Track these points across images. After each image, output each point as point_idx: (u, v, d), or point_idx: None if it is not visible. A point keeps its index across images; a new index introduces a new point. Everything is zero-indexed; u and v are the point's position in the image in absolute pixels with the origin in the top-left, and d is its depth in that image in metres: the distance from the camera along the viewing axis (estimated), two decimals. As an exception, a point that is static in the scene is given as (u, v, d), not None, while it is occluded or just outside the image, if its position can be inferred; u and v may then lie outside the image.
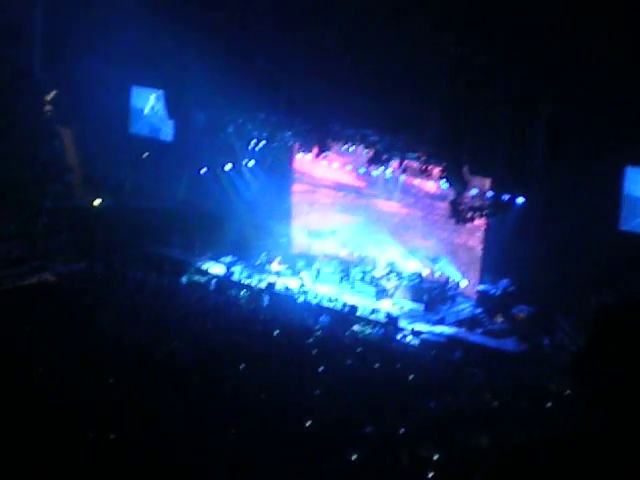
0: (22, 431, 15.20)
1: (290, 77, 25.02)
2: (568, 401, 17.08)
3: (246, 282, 27.43)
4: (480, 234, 26.14)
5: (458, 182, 24.46)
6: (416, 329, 24.10)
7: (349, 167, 28.98)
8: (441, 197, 26.72)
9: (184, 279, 27.99)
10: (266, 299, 26.22)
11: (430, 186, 27.07)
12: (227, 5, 26.31)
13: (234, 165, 30.14)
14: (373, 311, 25.02)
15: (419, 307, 25.75)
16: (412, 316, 25.18)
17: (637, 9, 19.67)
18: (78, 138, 31.39)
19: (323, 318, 24.81)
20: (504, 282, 25.05)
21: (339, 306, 25.57)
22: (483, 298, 25.67)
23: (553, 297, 22.54)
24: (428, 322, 24.70)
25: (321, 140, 27.27)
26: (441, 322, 24.74)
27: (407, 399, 19.22)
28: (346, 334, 24.00)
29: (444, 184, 25.46)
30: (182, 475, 13.11)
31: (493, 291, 25.35)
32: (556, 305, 22.70)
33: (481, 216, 25.25)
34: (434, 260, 27.46)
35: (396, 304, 26.03)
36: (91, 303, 24.65)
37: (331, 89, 23.93)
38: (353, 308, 25.29)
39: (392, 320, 24.52)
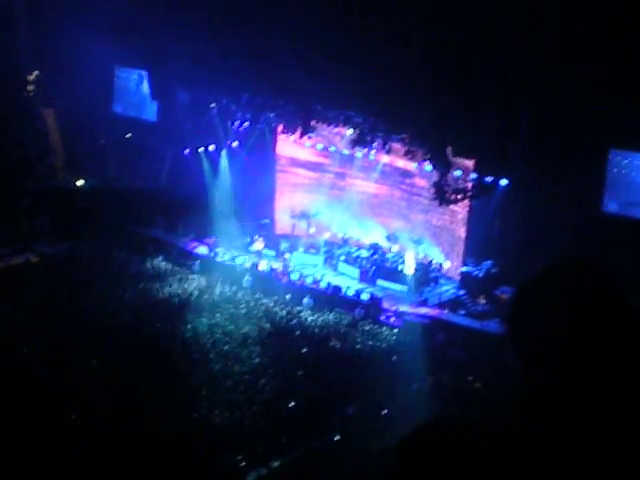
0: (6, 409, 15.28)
1: (274, 58, 24.91)
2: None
3: (229, 263, 27.41)
4: (463, 216, 26.18)
5: (442, 163, 24.47)
6: (399, 310, 24.17)
7: (330, 148, 29.07)
8: (424, 178, 26.81)
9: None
10: (249, 280, 26.21)
11: (412, 167, 27.09)
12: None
13: (218, 146, 30.10)
14: (357, 292, 25.04)
15: (403, 288, 25.80)
16: (395, 297, 25.23)
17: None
18: (61, 119, 31.22)
19: (307, 299, 24.82)
20: (487, 264, 25.13)
21: (323, 287, 25.59)
22: (466, 280, 25.74)
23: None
24: (411, 303, 24.77)
25: (304, 121, 27.24)
26: (424, 304, 24.81)
27: (390, 380, 19.30)
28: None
29: (428, 166, 25.48)
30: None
31: (476, 273, 25.43)
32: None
33: (464, 198, 25.30)
34: (417, 242, 27.52)
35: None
36: (74, 284, 24.63)
37: (315, 70, 23.84)
38: (337, 289, 25.32)
39: (376, 301, 24.56)
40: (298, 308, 24.24)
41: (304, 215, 29.63)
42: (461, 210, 26.09)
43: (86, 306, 23.15)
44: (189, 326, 22.10)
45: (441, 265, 26.99)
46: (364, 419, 18.46)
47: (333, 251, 28.33)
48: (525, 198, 23.42)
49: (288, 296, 25.01)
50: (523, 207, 23.54)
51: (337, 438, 18.30)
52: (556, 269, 2.25)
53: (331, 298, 24.94)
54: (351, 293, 25.04)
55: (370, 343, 21.93)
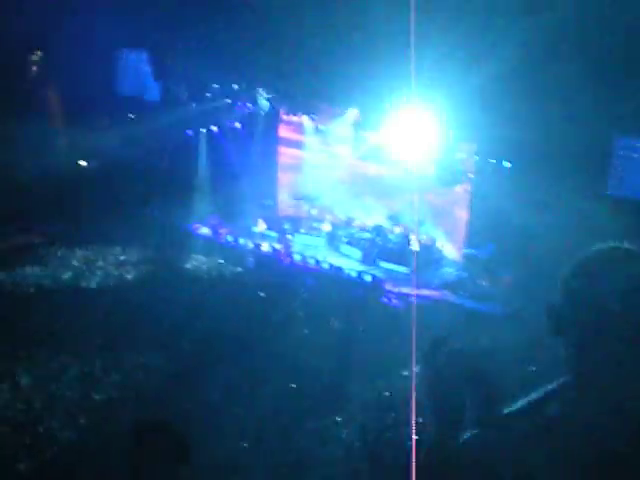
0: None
1: (278, 38, 24.81)
2: (552, 365, 17.21)
3: (232, 244, 27.43)
4: (465, 198, 26.15)
5: (444, 146, 24.43)
6: (402, 292, 24.17)
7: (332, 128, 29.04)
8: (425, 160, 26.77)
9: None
10: (251, 261, 26.24)
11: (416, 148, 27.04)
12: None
13: (220, 127, 30.06)
14: (359, 273, 25.06)
15: (405, 270, 25.80)
16: (398, 279, 25.23)
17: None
18: (64, 99, 31.11)
19: (309, 280, 24.85)
20: (489, 246, 25.10)
21: (325, 268, 25.61)
22: (468, 261, 25.73)
23: (539, 261, 22.57)
24: (413, 285, 24.75)
25: (307, 103, 27.19)
26: (426, 285, 24.81)
27: (392, 362, 19.33)
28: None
29: (430, 146, 25.43)
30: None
31: (479, 255, 25.41)
32: (542, 269, 22.73)
33: (467, 179, 25.29)
34: (419, 223, 27.49)
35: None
36: (77, 264, 24.72)
37: (320, 52, 23.76)
38: (339, 270, 25.34)
39: (378, 282, 24.59)
40: (301, 289, 24.28)
41: (306, 196, 29.62)
42: (464, 192, 26.05)
43: (88, 286, 23.27)
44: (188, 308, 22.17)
45: (444, 247, 26.98)
46: (366, 401, 18.51)
47: (335, 233, 28.32)
48: (528, 181, 23.32)
49: (290, 277, 25.07)
50: (525, 190, 23.44)
51: (339, 419, 18.40)
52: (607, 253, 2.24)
53: (334, 279, 24.97)
54: (354, 275, 25.06)
55: (372, 325, 21.95)
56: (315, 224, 28.78)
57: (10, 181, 28.32)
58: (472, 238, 25.89)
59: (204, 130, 30.11)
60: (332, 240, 28.03)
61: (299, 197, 29.77)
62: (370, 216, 28.58)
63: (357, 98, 26.06)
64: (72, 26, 27.99)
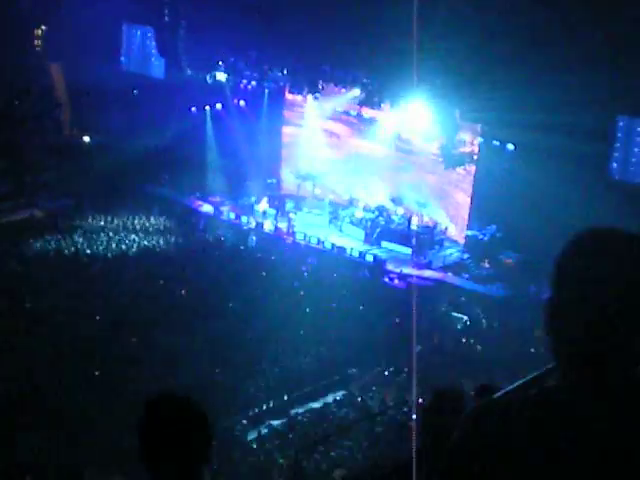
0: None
1: (283, 15, 24.72)
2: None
3: (234, 222, 27.45)
4: (469, 179, 26.10)
5: (449, 127, 24.39)
6: (403, 272, 24.17)
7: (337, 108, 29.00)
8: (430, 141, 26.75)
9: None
10: (254, 239, 26.26)
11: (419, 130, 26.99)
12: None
13: (224, 105, 30.01)
14: (361, 253, 25.06)
15: (407, 251, 25.78)
16: (400, 259, 25.23)
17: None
18: (68, 74, 31.05)
19: (311, 259, 24.88)
20: (492, 228, 25.10)
21: (327, 248, 25.61)
22: (471, 243, 25.73)
23: (541, 244, 22.52)
24: (415, 266, 24.77)
25: (312, 81, 27.13)
26: (428, 266, 24.81)
27: (393, 341, 19.40)
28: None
29: (435, 128, 25.42)
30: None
31: (481, 237, 25.41)
32: (544, 252, 22.66)
33: (471, 162, 25.26)
34: (422, 205, 27.48)
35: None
36: (78, 239, 24.78)
37: (322, 28, 23.67)
38: (341, 250, 25.33)
39: (379, 263, 24.59)
40: (302, 268, 24.32)
41: (309, 175, 29.58)
42: (468, 174, 26.01)
43: (90, 261, 23.34)
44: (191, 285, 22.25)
45: (446, 228, 26.97)
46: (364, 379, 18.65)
47: (338, 212, 28.28)
48: (531, 163, 23.27)
49: (292, 256, 25.12)
50: (528, 172, 23.39)
51: (339, 397, 18.49)
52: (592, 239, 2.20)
53: (335, 259, 24.98)
54: (355, 254, 25.07)
55: (373, 305, 21.98)
56: (318, 203, 28.74)
57: (15, 157, 28.37)
58: (475, 220, 25.85)
59: (208, 108, 30.05)
60: (335, 219, 27.98)
61: (302, 176, 29.72)
62: (373, 196, 28.54)
63: (362, 77, 26.02)
64: (76, 1, 27.94)
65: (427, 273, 24.42)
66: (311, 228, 27.11)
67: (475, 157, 25.20)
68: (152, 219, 27.45)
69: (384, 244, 26.21)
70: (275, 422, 17.24)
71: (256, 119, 29.97)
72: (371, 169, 28.85)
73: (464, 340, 21.09)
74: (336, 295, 22.16)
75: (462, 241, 26.31)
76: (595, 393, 2.04)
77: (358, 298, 22.12)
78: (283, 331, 19.82)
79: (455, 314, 22.36)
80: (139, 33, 30.93)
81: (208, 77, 28.91)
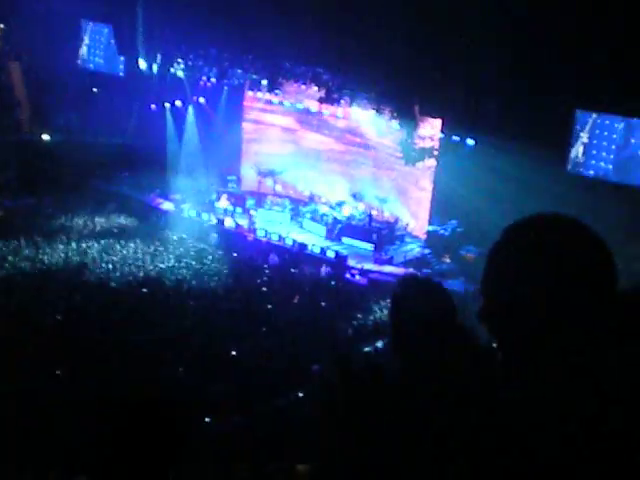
0: None
1: (243, 12, 24.65)
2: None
3: (195, 219, 27.34)
4: (430, 175, 26.21)
5: (409, 122, 24.48)
6: (364, 268, 24.21)
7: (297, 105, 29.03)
8: (390, 136, 26.85)
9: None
10: (215, 237, 26.17)
11: (380, 125, 27.08)
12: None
13: (184, 102, 29.94)
14: (322, 249, 25.06)
15: (369, 247, 25.83)
16: (361, 255, 25.27)
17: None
18: (27, 72, 30.77)
19: (272, 256, 24.84)
20: (453, 223, 25.21)
21: (288, 244, 25.59)
22: (432, 238, 25.84)
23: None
24: (376, 262, 24.82)
25: (272, 78, 27.13)
26: (389, 262, 24.88)
27: (355, 338, 19.40)
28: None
29: (395, 124, 25.51)
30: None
31: (442, 232, 25.51)
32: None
33: (431, 157, 25.37)
34: (383, 200, 27.57)
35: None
36: (38, 238, 24.49)
37: (284, 26, 23.63)
38: (302, 246, 25.32)
39: (341, 259, 24.61)
40: (264, 265, 24.28)
41: (270, 172, 29.62)
42: (428, 169, 26.12)
43: (52, 261, 23.08)
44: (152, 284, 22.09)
45: (407, 224, 27.07)
46: (328, 377, 18.54)
47: (299, 208, 28.31)
48: (491, 158, 23.41)
49: (253, 253, 25.06)
50: (489, 166, 23.53)
51: (301, 395, 18.45)
52: (525, 225, 2.19)
53: (297, 255, 24.96)
54: (317, 251, 25.06)
55: (335, 301, 21.97)
56: (279, 200, 28.76)
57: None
58: (436, 215, 25.98)
59: (168, 105, 29.94)
60: (296, 216, 28.00)
61: (263, 172, 29.74)
62: (334, 192, 28.60)
63: (322, 74, 26.03)
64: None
65: (388, 269, 24.47)
66: (272, 225, 27.09)
67: (435, 152, 25.32)
68: (112, 217, 27.28)
69: (345, 240, 26.25)
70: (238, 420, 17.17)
71: (216, 116, 29.94)
72: (331, 165, 28.93)
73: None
74: (298, 291, 22.12)
75: (423, 236, 26.44)
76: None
77: (320, 294, 22.11)
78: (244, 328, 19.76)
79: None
80: (98, 30, 30.70)
81: (167, 74, 28.80)
